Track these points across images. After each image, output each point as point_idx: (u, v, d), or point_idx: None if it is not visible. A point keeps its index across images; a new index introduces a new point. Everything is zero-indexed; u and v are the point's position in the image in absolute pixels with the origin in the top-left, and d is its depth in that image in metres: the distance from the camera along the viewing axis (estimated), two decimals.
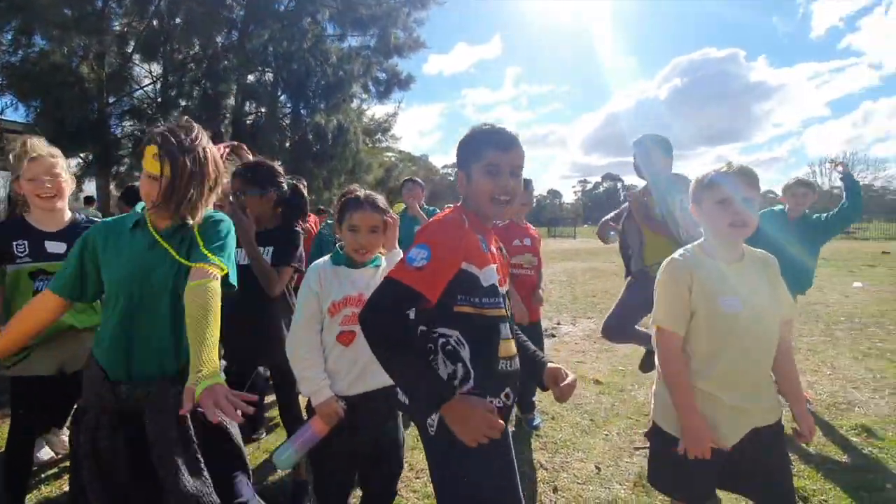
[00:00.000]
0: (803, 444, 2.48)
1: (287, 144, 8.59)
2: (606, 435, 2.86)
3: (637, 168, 2.80)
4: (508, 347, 1.25)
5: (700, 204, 1.47)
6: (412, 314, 1.24)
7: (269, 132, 8.23)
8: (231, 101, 9.51)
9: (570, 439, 2.81)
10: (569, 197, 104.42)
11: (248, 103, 9.17)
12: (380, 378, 1.53)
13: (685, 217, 2.52)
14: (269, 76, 10.39)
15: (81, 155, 9.09)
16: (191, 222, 1.34)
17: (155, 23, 7.94)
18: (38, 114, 7.19)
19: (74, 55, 7.15)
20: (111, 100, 8.96)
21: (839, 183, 3.31)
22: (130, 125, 9.56)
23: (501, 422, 1.05)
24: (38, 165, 1.88)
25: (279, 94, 9.19)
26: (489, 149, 1.19)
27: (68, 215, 2.03)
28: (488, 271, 1.19)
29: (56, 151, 1.96)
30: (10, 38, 7.05)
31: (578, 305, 7.26)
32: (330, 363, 1.59)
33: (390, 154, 16.59)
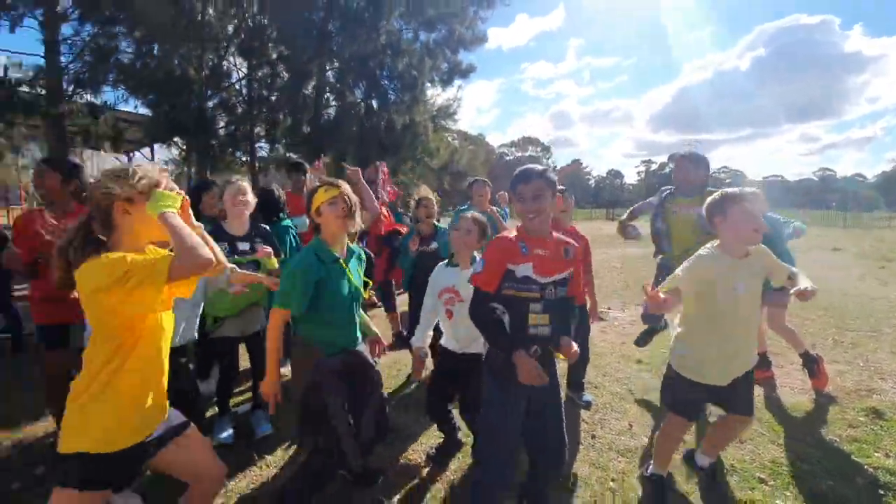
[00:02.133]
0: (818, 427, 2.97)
1: (360, 136, 9.46)
2: (641, 402, 3.44)
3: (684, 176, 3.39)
4: (537, 318, 1.81)
5: (726, 213, 2.03)
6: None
7: (346, 124, 9.13)
8: (310, 92, 10.48)
9: (610, 403, 3.41)
10: (631, 177, 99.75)
11: (326, 97, 10.13)
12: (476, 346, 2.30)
13: None
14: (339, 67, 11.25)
15: (180, 144, 10.43)
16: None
17: (250, 23, 9.01)
18: (155, 109, 8.50)
19: (183, 60, 8.31)
20: (209, 94, 10.19)
21: None
22: (224, 119, 10.83)
23: (545, 377, 1.65)
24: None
25: (353, 86, 10.07)
26: (517, 184, 1.80)
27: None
28: (524, 267, 1.77)
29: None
30: (133, 47, 8.38)
31: (630, 292, 7.51)
32: (445, 329, 2.41)
33: (447, 134, 16.98)
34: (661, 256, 3.60)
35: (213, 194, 3.08)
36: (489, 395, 1.88)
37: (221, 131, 9.83)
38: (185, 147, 10.45)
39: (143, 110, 11.45)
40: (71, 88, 10.26)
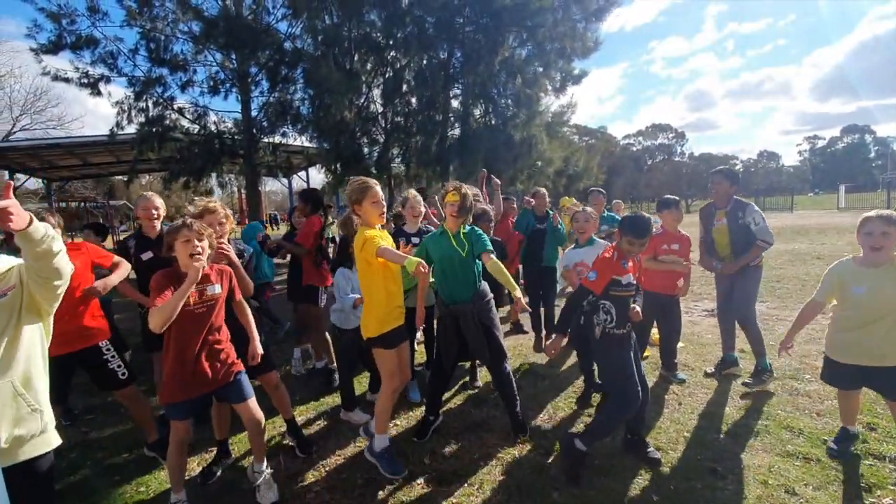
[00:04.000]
0: None
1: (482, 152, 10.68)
2: (732, 378, 3.93)
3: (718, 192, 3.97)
4: (633, 310, 2.79)
5: (857, 234, 2.65)
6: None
7: (469, 143, 10.42)
8: (438, 117, 12.01)
9: (702, 381, 3.99)
10: (790, 158, 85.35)
11: (451, 119, 11.59)
12: None
13: (760, 229, 3.78)
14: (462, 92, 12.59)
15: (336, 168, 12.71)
16: (466, 230, 3.10)
17: (390, 73, 10.90)
18: (326, 147, 10.87)
19: (343, 107, 10.38)
20: (358, 131, 12.31)
21: None
22: (367, 150, 12.93)
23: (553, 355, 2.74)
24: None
25: (474, 108, 11.37)
26: (633, 235, 2.66)
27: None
28: (627, 277, 2.74)
29: None
30: (306, 101, 10.90)
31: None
32: None
33: (566, 129, 16.96)
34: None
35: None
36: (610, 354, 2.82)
37: (368, 159, 11.87)
38: (338, 170, 12.56)
39: (306, 143, 14.26)
40: (259, 134, 13.34)
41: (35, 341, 1.67)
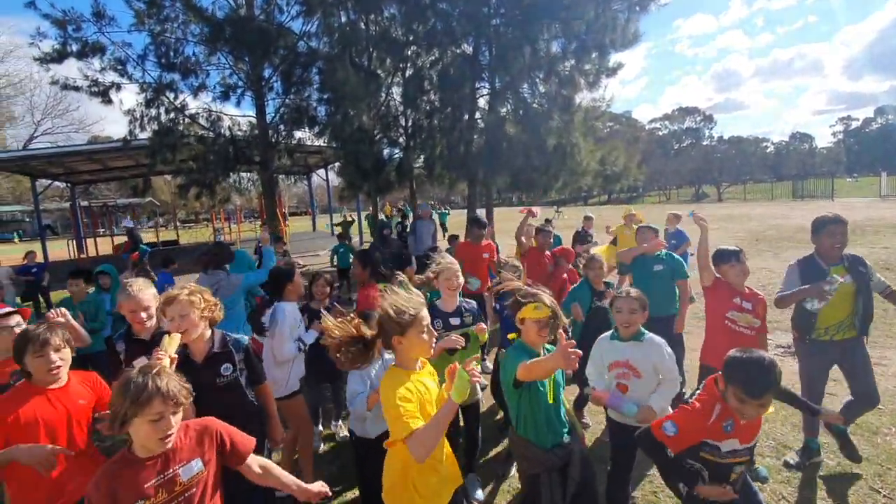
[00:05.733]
0: None
1: (512, 157, 9.88)
2: (853, 476, 3.16)
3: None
4: (740, 471, 2.02)
5: None
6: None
7: (498, 147, 9.62)
8: (464, 117, 11.21)
9: (812, 476, 3.20)
10: (824, 140, 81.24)
11: (478, 121, 10.79)
12: None
13: (881, 281, 3.22)
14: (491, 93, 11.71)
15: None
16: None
17: (409, 72, 10.18)
18: (344, 158, 10.25)
19: (362, 112, 9.69)
20: (378, 135, 11.59)
21: None
22: (388, 152, 12.21)
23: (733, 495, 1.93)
24: None
25: (500, 108, 10.53)
26: (754, 394, 1.81)
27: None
28: (728, 443, 1.94)
29: None
30: (325, 109, 10.40)
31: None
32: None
33: (598, 124, 16.00)
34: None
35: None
36: None
37: (389, 164, 11.23)
38: (357, 182, 11.81)
39: (323, 144, 13.64)
40: (274, 138, 12.77)
41: None
